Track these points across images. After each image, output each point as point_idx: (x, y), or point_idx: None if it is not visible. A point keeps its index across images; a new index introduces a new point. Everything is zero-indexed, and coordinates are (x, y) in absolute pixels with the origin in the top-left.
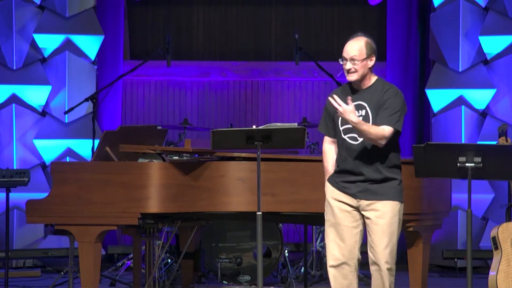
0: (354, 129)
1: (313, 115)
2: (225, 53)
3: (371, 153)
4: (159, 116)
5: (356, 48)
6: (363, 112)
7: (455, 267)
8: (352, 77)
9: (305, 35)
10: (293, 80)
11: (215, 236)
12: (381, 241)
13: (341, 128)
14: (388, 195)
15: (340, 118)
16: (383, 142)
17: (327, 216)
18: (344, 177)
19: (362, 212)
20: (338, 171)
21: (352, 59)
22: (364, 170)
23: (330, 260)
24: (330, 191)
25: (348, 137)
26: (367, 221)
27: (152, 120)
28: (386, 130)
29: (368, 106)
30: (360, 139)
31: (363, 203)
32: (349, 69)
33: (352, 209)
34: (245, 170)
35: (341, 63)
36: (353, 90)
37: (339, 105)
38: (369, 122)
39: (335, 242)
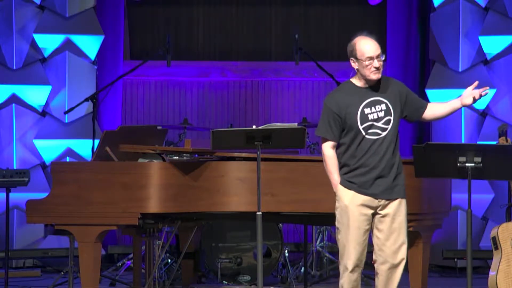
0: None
1: (313, 115)
2: (225, 53)
3: (391, 146)
4: (159, 116)
5: (377, 44)
6: (384, 107)
7: (455, 267)
8: (378, 75)
9: (305, 35)
10: (293, 80)
11: (215, 236)
12: (399, 238)
13: (361, 127)
14: (400, 192)
15: (358, 117)
16: None
17: (344, 220)
18: (362, 176)
19: (379, 211)
20: (352, 169)
21: (378, 57)
22: (384, 164)
23: (349, 265)
24: (349, 196)
25: (369, 133)
26: (383, 219)
27: (152, 120)
28: None
29: (388, 100)
30: (383, 133)
31: (384, 202)
32: (378, 67)
33: (370, 211)
34: (245, 170)
35: (365, 64)
36: (361, 87)
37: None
38: (390, 115)
39: (354, 247)
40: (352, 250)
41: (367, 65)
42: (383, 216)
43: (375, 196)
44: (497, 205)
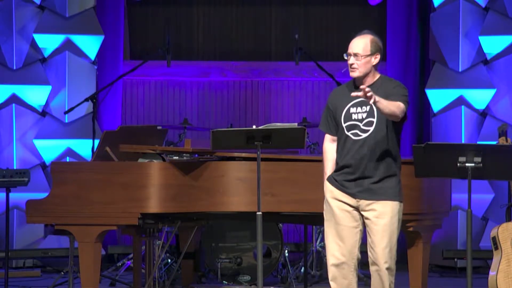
0: (377, 107)
1: (313, 115)
2: (225, 53)
3: (374, 148)
4: (159, 116)
5: (360, 44)
6: (368, 108)
7: (455, 267)
8: (354, 73)
9: (305, 35)
10: (293, 80)
11: (215, 236)
12: (381, 242)
13: (344, 125)
14: (387, 195)
15: (343, 115)
16: (401, 115)
17: (327, 216)
18: (345, 175)
19: (362, 212)
20: (338, 168)
21: (355, 55)
22: (365, 166)
23: (331, 260)
24: (330, 191)
25: (351, 133)
26: (366, 221)
27: (152, 120)
28: (401, 103)
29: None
30: (363, 135)
31: (363, 203)
32: (352, 64)
33: (352, 209)
34: (245, 170)
35: (345, 58)
36: (356, 87)
37: (358, 93)
38: (374, 117)
39: (335, 242)
40: (331, 245)
41: (347, 60)
42: (366, 218)
43: (352, 195)
44: (497, 205)
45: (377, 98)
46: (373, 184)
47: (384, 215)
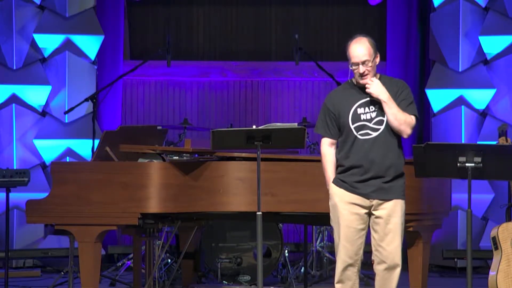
0: (385, 106)
1: (313, 115)
2: (225, 53)
3: (384, 148)
4: (159, 116)
5: (365, 51)
6: (376, 107)
7: (455, 267)
8: (365, 81)
9: (305, 35)
10: (293, 80)
11: (215, 236)
12: (394, 240)
13: (352, 126)
14: (397, 193)
15: (350, 116)
16: (409, 130)
17: (335, 218)
18: (354, 176)
19: (373, 212)
20: (345, 169)
21: (364, 63)
22: (378, 165)
23: (340, 263)
24: (339, 194)
25: (360, 134)
26: (377, 220)
27: (152, 120)
28: (412, 117)
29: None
30: (374, 134)
31: (376, 203)
32: (363, 72)
33: (363, 210)
34: (245, 170)
35: (352, 68)
36: (359, 88)
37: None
38: (383, 116)
39: (344, 245)
40: (342, 248)
41: (354, 70)
42: (377, 217)
43: (365, 196)
44: (497, 205)
45: (386, 99)
46: (385, 184)
47: (395, 214)
